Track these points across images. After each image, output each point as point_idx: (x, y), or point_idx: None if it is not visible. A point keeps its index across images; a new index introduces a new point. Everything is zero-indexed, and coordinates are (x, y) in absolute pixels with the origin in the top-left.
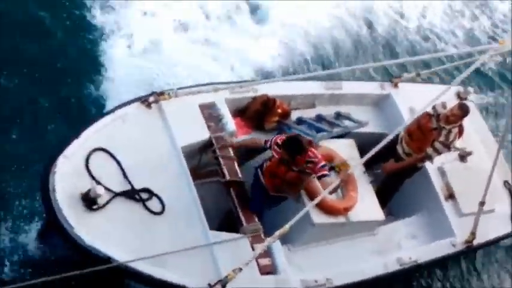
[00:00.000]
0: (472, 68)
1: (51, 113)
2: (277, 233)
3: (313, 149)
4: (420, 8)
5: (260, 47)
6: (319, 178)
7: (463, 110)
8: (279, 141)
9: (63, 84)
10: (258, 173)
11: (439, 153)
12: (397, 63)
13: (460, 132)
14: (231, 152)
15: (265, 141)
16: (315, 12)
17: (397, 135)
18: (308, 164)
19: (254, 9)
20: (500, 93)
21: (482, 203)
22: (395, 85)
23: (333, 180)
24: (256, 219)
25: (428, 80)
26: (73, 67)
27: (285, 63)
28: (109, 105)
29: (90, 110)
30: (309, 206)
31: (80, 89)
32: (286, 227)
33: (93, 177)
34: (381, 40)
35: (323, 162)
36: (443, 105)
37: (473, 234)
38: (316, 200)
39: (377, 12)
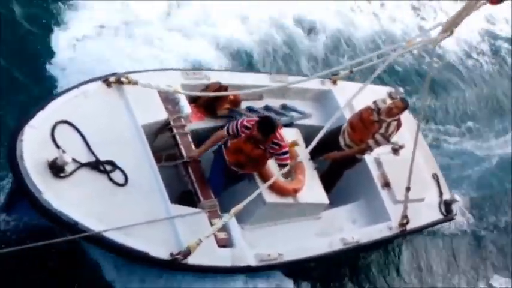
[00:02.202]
0: (383, 66)
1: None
2: (233, 210)
3: (281, 132)
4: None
5: (200, 43)
6: (281, 166)
7: (404, 103)
8: (246, 123)
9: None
10: (221, 148)
11: (379, 144)
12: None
13: (399, 125)
14: (188, 134)
15: (227, 130)
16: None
17: (340, 127)
18: (274, 145)
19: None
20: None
21: (408, 189)
22: (334, 82)
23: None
24: (213, 196)
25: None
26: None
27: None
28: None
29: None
30: (265, 186)
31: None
32: (241, 205)
33: (58, 147)
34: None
35: (286, 149)
36: (384, 101)
37: (405, 217)
38: (271, 181)
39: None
